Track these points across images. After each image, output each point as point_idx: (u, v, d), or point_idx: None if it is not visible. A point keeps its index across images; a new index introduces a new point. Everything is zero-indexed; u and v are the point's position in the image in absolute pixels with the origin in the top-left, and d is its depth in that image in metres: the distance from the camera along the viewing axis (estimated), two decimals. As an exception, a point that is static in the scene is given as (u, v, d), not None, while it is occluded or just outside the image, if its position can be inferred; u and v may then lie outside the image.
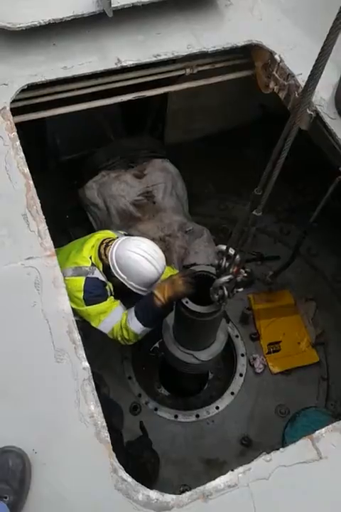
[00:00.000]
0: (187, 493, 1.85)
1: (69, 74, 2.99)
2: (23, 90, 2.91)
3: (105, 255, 2.92)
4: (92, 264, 2.94)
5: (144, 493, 1.84)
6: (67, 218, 4.54)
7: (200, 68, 3.41)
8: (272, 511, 1.90)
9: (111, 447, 1.91)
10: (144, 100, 3.47)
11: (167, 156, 4.39)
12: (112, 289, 3.00)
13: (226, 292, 2.44)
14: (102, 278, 2.95)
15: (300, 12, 3.45)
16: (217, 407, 3.82)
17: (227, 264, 2.41)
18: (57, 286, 2.26)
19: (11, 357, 2.10)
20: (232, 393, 3.89)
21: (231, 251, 2.34)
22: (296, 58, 3.19)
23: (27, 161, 2.60)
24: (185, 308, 2.63)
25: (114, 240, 3.00)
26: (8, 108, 2.78)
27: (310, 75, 1.46)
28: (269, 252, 4.57)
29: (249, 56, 3.45)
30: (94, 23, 3.10)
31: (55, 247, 2.39)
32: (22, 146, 2.66)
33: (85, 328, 2.91)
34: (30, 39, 3.02)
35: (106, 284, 2.96)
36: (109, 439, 1.93)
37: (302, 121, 3.06)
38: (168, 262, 3.59)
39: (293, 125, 1.62)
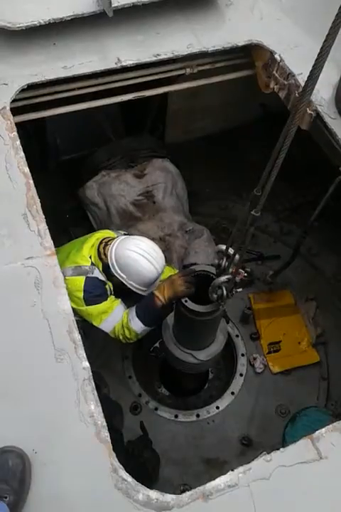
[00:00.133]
0: (188, 493, 1.85)
1: (69, 73, 2.99)
2: (23, 90, 2.91)
3: (104, 254, 2.92)
4: (92, 264, 2.94)
5: (144, 492, 1.84)
6: (67, 218, 4.54)
7: (200, 68, 3.41)
8: (272, 511, 1.90)
9: (111, 447, 1.91)
10: (144, 100, 3.47)
11: (167, 156, 4.39)
12: (112, 289, 3.00)
13: (225, 292, 2.44)
14: (102, 277, 2.95)
15: (300, 11, 3.45)
16: (218, 407, 3.82)
17: (227, 263, 2.40)
18: (58, 286, 2.26)
19: (11, 357, 2.10)
20: (232, 393, 3.89)
21: (231, 251, 2.34)
22: (296, 58, 3.19)
23: (27, 160, 2.60)
24: (184, 308, 2.64)
25: (113, 239, 3.00)
26: (8, 108, 2.79)
27: (309, 75, 1.46)
28: (269, 251, 4.57)
29: (249, 56, 3.45)
30: (94, 22, 3.10)
31: (55, 247, 2.39)
32: (22, 146, 2.66)
33: (85, 327, 2.91)
34: (30, 39, 3.02)
35: (106, 284, 2.96)
36: (109, 438, 1.93)
37: (303, 121, 3.06)
38: (168, 261, 3.59)
39: (293, 125, 1.62)
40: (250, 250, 4.47)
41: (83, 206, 4.34)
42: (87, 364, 2.07)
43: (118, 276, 2.89)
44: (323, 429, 2.03)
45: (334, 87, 3.04)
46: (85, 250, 2.98)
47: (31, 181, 2.54)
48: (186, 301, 2.63)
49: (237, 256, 2.30)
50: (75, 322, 2.19)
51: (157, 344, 4.06)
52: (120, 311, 2.96)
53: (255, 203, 1.92)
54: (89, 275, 2.89)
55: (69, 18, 2.98)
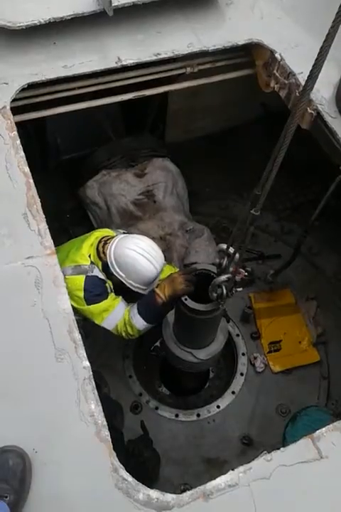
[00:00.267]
0: (188, 493, 1.85)
1: (69, 73, 2.98)
2: (23, 89, 2.91)
3: (103, 253, 2.92)
4: (91, 263, 2.94)
5: (145, 492, 1.84)
6: (68, 217, 4.55)
7: (201, 67, 3.41)
8: (273, 511, 1.90)
9: (111, 446, 1.91)
10: (145, 99, 3.47)
11: (167, 155, 4.39)
12: (112, 287, 3.00)
13: (224, 291, 2.44)
14: (102, 276, 2.95)
15: (300, 11, 3.44)
16: (218, 406, 3.82)
17: (227, 263, 2.40)
18: (58, 285, 2.26)
19: (12, 356, 2.10)
20: (233, 392, 3.89)
21: (231, 250, 2.34)
22: (297, 57, 3.18)
23: (27, 160, 2.60)
24: (184, 306, 2.64)
25: (112, 238, 3.00)
26: (8, 107, 2.78)
27: (309, 74, 1.46)
28: (270, 250, 4.57)
29: (250, 55, 3.44)
30: (94, 21, 3.10)
31: (55, 247, 2.39)
32: (22, 145, 2.65)
33: (86, 327, 2.91)
34: (31, 38, 3.02)
35: (106, 282, 2.96)
36: (109, 438, 1.93)
37: (303, 120, 3.05)
38: (169, 261, 3.59)
39: (293, 124, 1.61)
40: (251, 249, 4.47)
41: (83, 206, 4.34)
42: (87, 363, 2.07)
43: (117, 275, 2.89)
44: (324, 429, 2.03)
45: (334, 87, 3.03)
46: (84, 249, 2.98)
47: (31, 181, 2.53)
48: (186, 299, 2.64)
49: (237, 255, 2.30)
50: (75, 322, 2.19)
51: (157, 343, 4.07)
52: (121, 309, 2.96)
53: (255, 202, 1.92)
54: (88, 274, 2.89)
55: (69, 18, 2.97)
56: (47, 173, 4.68)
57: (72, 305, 2.27)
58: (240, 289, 2.61)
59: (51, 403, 2.01)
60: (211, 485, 1.86)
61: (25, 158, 2.60)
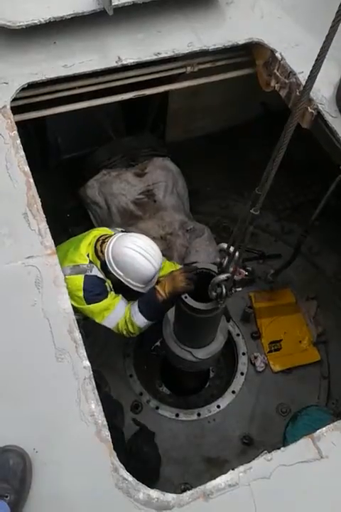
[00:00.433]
0: (188, 493, 1.85)
1: (69, 72, 2.98)
2: (23, 89, 2.91)
3: (101, 252, 2.92)
4: (90, 262, 2.94)
5: (145, 492, 1.84)
6: (68, 217, 4.54)
7: (201, 66, 3.41)
8: (273, 510, 1.90)
9: (111, 446, 1.91)
10: (145, 99, 3.47)
11: (168, 155, 4.38)
12: (111, 286, 2.99)
13: (224, 290, 2.44)
14: (101, 275, 2.94)
15: (301, 10, 3.44)
16: (218, 406, 3.82)
17: (227, 262, 2.41)
18: (58, 285, 2.26)
19: (12, 356, 2.10)
20: (233, 392, 3.89)
21: (231, 249, 2.34)
22: (297, 56, 3.18)
23: (27, 159, 2.60)
24: (184, 304, 2.65)
25: (110, 236, 2.99)
26: (8, 107, 2.78)
27: (309, 74, 1.46)
28: (270, 250, 4.57)
29: (250, 54, 3.44)
30: (94, 21, 3.09)
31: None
32: (22, 145, 2.65)
33: (86, 326, 2.91)
34: (31, 37, 3.02)
35: (105, 281, 2.96)
36: (109, 438, 1.93)
37: (304, 120, 3.05)
38: (169, 258, 3.58)
39: (293, 123, 1.61)
40: (251, 249, 4.47)
41: (84, 205, 4.34)
42: (87, 363, 2.07)
43: (115, 273, 2.88)
44: (324, 429, 2.03)
45: (335, 86, 3.03)
46: (83, 249, 2.97)
47: (32, 180, 2.53)
48: (186, 297, 2.64)
49: (237, 254, 2.30)
50: (76, 321, 2.19)
51: (158, 343, 4.07)
52: (122, 307, 2.96)
53: (255, 201, 1.92)
54: (87, 273, 2.89)
55: (69, 17, 2.97)
56: (48, 172, 4.68)
57: (72, 304, 2.27)
58: (239, 289, 2.61)
59: (51, 403, 2.01)
60: (211, 485, 1.86)
61: (25, 158, 2.60)
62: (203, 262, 3.27)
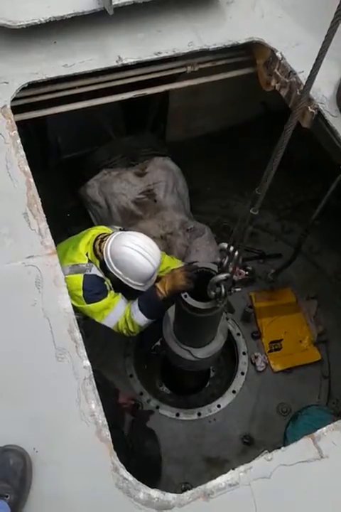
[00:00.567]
0: (188, 492, 1.85)
1: (70, 72, 2.98)
2: (23, 88, 2.90)
3: (100, 251, 2.91)
4: (89, 261, 2.93)
5: (145, 491, 1.84)
6: (68, 217, 4.54)
7: (201, 66, 3.40)
8: (273, 510, 1.90)
9: (112, 446, 1.91)
10: (145, 98, 3.46)
11: (168, 154, 4.38)
12: (111, 285, 2.99)
13: (223, 290, 2.44)
14: (100, 274, 2.94)
15: (301, 9, 3.43)
16: (219, 406, 3.82)
17: (227, 262, 2.41)
18: (58, 284, 2.26)
19: (12, 356, 2.10)
20: (234, 391, 3.89)
21: (231, 249, 2.34)
22: (297, 56, 3.18)
23: (28, 159, 2.60)
24: (183, 303, 2.65)
25: (108, 235, 2.99)
26: (8, 106, 2.78)
27: (309, 75, 1.46)
28: (271, 250, 4.57)
29: (251, 54, 3.44)
30: (94, 20, 3.09)
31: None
32: (23, 145, 2.65)
33: (86, 326, 2.91)
34: (31, 37, 3.02)
35: (104, 280, 2.96)
36: (109, 437, 1.93)
37: (304, 119, 3.05)
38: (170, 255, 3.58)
39: (292, 123, 1.61)
40: (251, 248, 4.47)
41: (84, 205, 4.34)
42: (87, 363, 2.07)
43: (114, 272, 2.88)
44: (324, 428, 2.03)
45: (335, 86, 3.03)
46: (81, 248, 2.97)
47: (32, 180, 2.53)
48: (185, 296, 2.64)
49: (237, 254, 2.30)
50: (76, 321, 2.19)
51: (158, 342, 4.07)
52: (122, 306, 2.96)
53: (255, 201, 1.92)
54: (87, 273, 2.89)
55: (69, 16, 2.97)
56: (48, 172, 4.68)
57: (72, 304, 2.27)
58: (239, 289, 2.61)
59: (52, 403, 2.01)
60: (211, 484, 1.86)
61: (25, 158, 2.60)
62: (204, 261, 3.27)
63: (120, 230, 3.24)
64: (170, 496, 1.84)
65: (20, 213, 2.43)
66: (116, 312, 2.94)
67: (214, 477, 1.89)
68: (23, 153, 2.61)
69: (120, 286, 2.97)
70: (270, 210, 4.74)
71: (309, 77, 1.48)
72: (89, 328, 2.97)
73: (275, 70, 3.27)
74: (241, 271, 2.59)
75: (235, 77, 3.52)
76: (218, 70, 3.48)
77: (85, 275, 2.87)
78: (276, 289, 4.34)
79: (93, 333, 3.10)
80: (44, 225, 2.40)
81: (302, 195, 4.86)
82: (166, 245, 3.85)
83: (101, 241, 2.95)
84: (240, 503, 1.87)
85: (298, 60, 3.15)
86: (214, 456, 3.63)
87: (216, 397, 3.89)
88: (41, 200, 2.47)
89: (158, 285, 2.87)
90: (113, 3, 2.95)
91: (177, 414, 3.78)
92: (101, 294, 2.90)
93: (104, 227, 3.28)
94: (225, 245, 2.39)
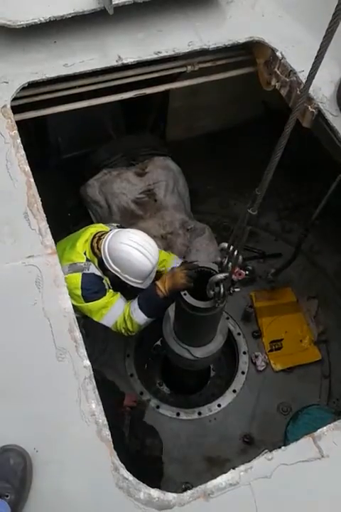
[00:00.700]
0: (189, 492, 1.85)
1: (70, 71, 2.98)
2: (23, 88, 2.90)
3: (98, 249, 2.91)
4: (87, 260, 2.93)
5: (145, 491, 1.83)
6: (69, 216, 4.54)
7: (201, 65, 3.40)
8: (274, 510, 1.90)
9: (112, 445, 1.91)
10: (145, 98, 3.46)
11: (168, 154, 4.38)
12: (109, 283, 2.99)
13: (222, 290, 2.44)
14: (98, 273, 2.94)
15: (301, 8, 3.43)
16: (219, 405, 3.83)
17: (226, 261, 2.41)
18: (58, 284, 2.26)
19: (12, 356, 2.10)
20: (234, 391, 3.89)
21: (230, 249, 2.35)
22: (298, 55, 3.17)
23: (28, 159, 2.60)
24: (183, 301, 2.65)
25: (106, 233, 2.99)
26: (8, 106, 2.78)
27: (308, 75, 1.46)
28: (271, 249, 4.57)
29: (251, 53, 3.44)
30: (94, 20, 3.09)
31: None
32: (23, 144, 2.65)
33: (87, 325, 2.91)
34: (31, 36, 3.02)
35: (103, 279, 2.96)
36: (110, 437, 1.92)
37: (305, 119, 3.05)
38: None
39: (290, 123, 1.61)
40: (251, 248, 4.47)
41: (84, 204, 4.34)
42: (88, 363, 2.07)
43: (112, 270, 2.87)
44: (325, 428, 2.02)
45: (335, 85, 3.02)
46: (79, 247, 2.97)
47: (32, 180, 2.53)
48: (185, 294, 2.64)
49: (236, 253, 2.30)
50: (76, 320, 2.19)
51: (158, 342, 4.07)
52: (121, 305, 2.96)
53: (254, 201, 1.92)
54: (85, 272, 2.88)
55: (69, 16, 2.97)
56: (48, 172, 4.67)
57: (71, 303, 2.26)
58: (238, 289, 2.61)
59: (52, 402, 2.01)
60: (212, 484, 1.86)
61: (25, 157, 2.59)
62: (204, 260, 3.27)
63: (117, 227, 3.24)
64: (171, 496, 1.83)
65: (21, 213, 2.43)
66: (114, 311, 2.94)
67: (214, 477, 1.88)
68: (23, 152, 2.61)
69: (119, 285, 2.97)
70: (270, 210, 4.73)
71: (308, 76, 1.48)
72: (90, 328, 2.97)
73: (276, 70, 3.26)
74: (241, 271, 2.59)
75: (235, 76, 3.52)
76: (218, 69, 3.48)
77: (83, 274, 2.87)
78: (277, 288, 4.35)
79: (93, 332, 3.10)
80: (44, 225, 2.40)
81: (302, 194, 4.86)
82: (166, 245, 3.85)
83: (99, 239, 2.94)
84: (240, 503, 1.86)
85: (298, 60, 3.14)
86: (214, 455, 3.63)
87: (216, 397, 3.89)
88: (41, 200, 2.47)
89: (158, 283, 2.87)
90: (113, 3, 2.95)
91: (178, 414, 3.78)
92: (100, 292, 2.90)
93: (102, 224, 3.28)
94: (225, 245, 2.39)
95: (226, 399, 3.85)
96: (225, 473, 1.89)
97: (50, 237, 2.37)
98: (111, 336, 3.17)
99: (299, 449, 1.98)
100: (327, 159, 3.09)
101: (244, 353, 4.07)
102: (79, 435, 1.95)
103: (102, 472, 1.87)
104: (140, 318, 2.92)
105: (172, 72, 3.41)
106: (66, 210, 4.56)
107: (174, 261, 3.28)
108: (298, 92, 3.09)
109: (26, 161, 2.58)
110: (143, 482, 1.86)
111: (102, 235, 2.98)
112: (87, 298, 2.84)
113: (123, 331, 2.98)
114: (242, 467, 1.91)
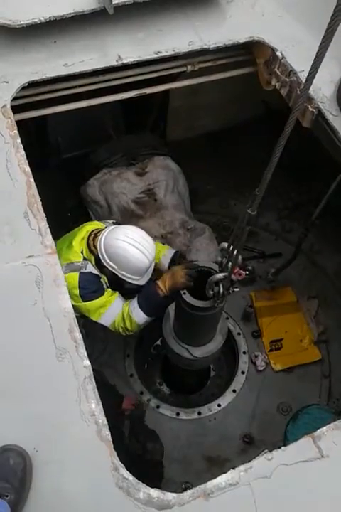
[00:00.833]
0: (189, 492, 1.85)
1: (70, 71, 2.98)
2: (23, 88, 2.90)
3: (94, 246, 2.90)
4: (84, 259, 2.92)
5: (145, 491, 1.83)
6: (69, 216, 4.54)
7: (202, 65, 3.40)
8: (273, 510, 1.90)
9: (112, 445, 1.91)
10: (145, 97, 3.46)
11: (168, 154, 4.38)
12: (107, 282, 2.99)
13: (221, 289, 2.44)
14: (96, 271, 2.93)
15: (301, 8, 3.43)
16: (219, 405, 3.83)
17: (226, 261, 2.41)
18: (58, 284, 2.26)
19: (12, 356, 2.10)
20: (234, 391, 3.89)
21: (230, 249, 2.35)
22: (298, 55, 3.17)
23: (28, 158, 2.60)
24: (182, 300, 2.66)
25: (102, 230, 2.98)
26: (8, 106, 2.78)
27: (307, 75, 1.46)
28: (271, 249, 4.57)
29: (251, 53, 3.44)
30: (94, 20, 3.09)
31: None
32: (23, 144, 2.65)
33: (86, 325, 2.91)
34: (31, 36, 3.02)
35: (101, 278, 2.95)
36: (109, 437, 1.92)
37: (305, 118, 3.05)
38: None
39: (290, 123, 1.61)
40: (251, 248, 4.47)
41: (84, 204, 4.34)
42: (87, 362, 2.07)
43: (108, 266, 2.86)
44: (325, 428, 2.02)
45: (335, 85, 3.02)
46: (76, 246, 2.96)
47: (32, 180, 2.53)
48: (184, 293, 2.65)
49: (236, 253, 2.31)
50: (76, 320, 2.19)
51: (158, 342, 4.07)
52: (119, 305, 2.95)
53: (253, 200, 1.92)
54: (82, 271, 2.87)
55: (69, 16, 2.97)
56: (48, 171, 4.67)
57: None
58: (237, 289, 2.60)
59: (52, 402, 2.01)
60: (212, 484, 1.86)
61: (25, 157, 2.59)
62: (204, 260, 3.27)
63: (113, 223, 3.23)
64: (170, 496, 1.83)
65: (21, 213, 2.43)
66: (112, 310, 2.93)
67: (214, 476, 1.88)
68: (23, 152, 2.61)
69: (116, 283, 2.95)
70: (270, 210, 4.73)
71: (308, 76, 1.48)
72: (89, 328, 2.97)
73: (276, 69, 3.26)
74: (241, 271, 2.59)
75: (235, 76, 3.52)
76: (218, 69, 3.48)
77: (81, 273, 2.86)
78: (277, 288, 4.35)
79: (93, 332, 3.10)
80: (44, 225, 2.40)
81: (302, 194, 4.86)
82: (166, 244, 3.85)
83: (95, 236, 2.93)
84: (240, 503, 1.86)
85: (299, 59, 3.14)
86: (214, 455, 3.63)
87: (216, 397, 3.89)
88: (41, 200, 2.47)
89: (158, 282, 2.87)
90: (113, 3, 2.95)
91: (178, 414, 3.78)
92: (98, 292, 2.90)
93: (98, 222, 3.27)
94: (225, 245, 2.39)
95: (226, 399, 3.85)
96: (225, 473, 1.89)
97: (50, 237, 2.37)
98: (111, 335, 3.17)
99: (299, 449, 1.97)
100: (327, 159, 3.09)
101: (244, 352, 4.07)
102: (79, 435, 1.95)
103: (102, 472, 1.87)
104: (139, 317, 2.91)
105: (173, 72, 3.41)
106: (66, 210, 4.56)
107: (168, 251, 3.28)
108: (298, 91, 3.09)
109: (26, 161, 2.58)
110: (144, 484, 1.87)
111: (98, 232, 2.96)
112: (85, 297, 2.84)
113: (121, 330, 2.97)
114: (242, 467, 1.91)
